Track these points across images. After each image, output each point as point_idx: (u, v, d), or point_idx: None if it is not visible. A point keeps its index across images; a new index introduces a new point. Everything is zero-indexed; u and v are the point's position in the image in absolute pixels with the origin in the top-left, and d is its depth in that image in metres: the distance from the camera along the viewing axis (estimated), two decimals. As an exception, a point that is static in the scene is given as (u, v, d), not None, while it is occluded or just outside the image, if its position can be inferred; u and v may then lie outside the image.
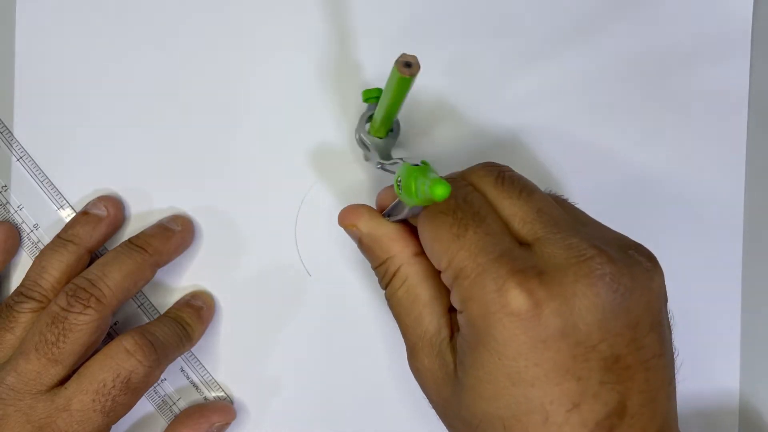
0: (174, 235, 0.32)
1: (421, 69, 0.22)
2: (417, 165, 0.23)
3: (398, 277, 0.27)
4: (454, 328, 0.25)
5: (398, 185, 0.24)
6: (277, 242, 0.33)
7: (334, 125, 0.34)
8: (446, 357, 0.25)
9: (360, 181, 0.34)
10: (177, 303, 0.33)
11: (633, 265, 0.23)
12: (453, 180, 0.26)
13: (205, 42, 0.34)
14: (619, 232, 0.25)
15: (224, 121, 0.34)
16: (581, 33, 0.34)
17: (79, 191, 0.34)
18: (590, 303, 0.22)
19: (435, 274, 0.26)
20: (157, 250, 0.31)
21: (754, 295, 0.34)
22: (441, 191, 0.20)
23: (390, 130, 0.30)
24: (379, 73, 0.34)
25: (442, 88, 0.34)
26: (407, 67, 0.22)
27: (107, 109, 0.34)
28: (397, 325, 0.27)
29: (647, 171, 0.34)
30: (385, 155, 0.30)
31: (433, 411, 0.33)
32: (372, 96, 0.30)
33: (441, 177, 0.21)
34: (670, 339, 0.25)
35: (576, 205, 0.27)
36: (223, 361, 0.33)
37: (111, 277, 0.30)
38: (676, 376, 0.24)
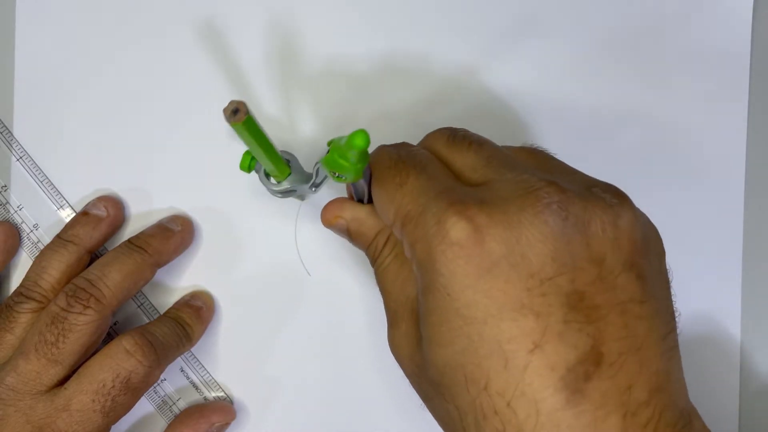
0: (174, 235, 0.32)
1: (249, 111, 0.22)
2: (328, 150, 0.23)
3: (388, 246, 0.26)
4: None
5: (335, 175, 0.24)
6: (276, 242, 0.33)
7: (334, 125, 0.34)
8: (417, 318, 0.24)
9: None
10: (177, 303, 0.33)
11: (590, 197, 0.21)
12: (401, 143, 0.26)
13: (207, 42, 0.34)
14: (592, 176, 0.24)
15: (224, 121, 0.34)
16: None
17: (79, 191, 0.34)
18: (538, 231, 0.21)
19: None
20: (157, 250, 0.31)
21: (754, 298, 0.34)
22: (360, 138, 0.20)
23: (287, 163, 0.30)
24: (374, 61, 0.34)
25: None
26: (235, 113, 0.22)
27: (107, 109, 0.34)
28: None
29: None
30: (306, 178, 0.30)
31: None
32: (247, 160, 0.29)
33: (354, 131, 0.21)
34: (663, 289, 0.22)
35: (554, 156, 0.26)
36: (223, 361, 0.33)
37: (111, 278, 0.30)
38: (678, 337, 0.22)
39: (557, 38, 0.34)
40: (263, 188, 0.33)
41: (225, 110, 0.22)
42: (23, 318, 0.30)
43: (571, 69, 0.34)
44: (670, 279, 0.23)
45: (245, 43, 0.34)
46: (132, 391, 0.29)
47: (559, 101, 0.34)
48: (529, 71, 0.34)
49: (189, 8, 0.34)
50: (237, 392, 0.33)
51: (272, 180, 0.30)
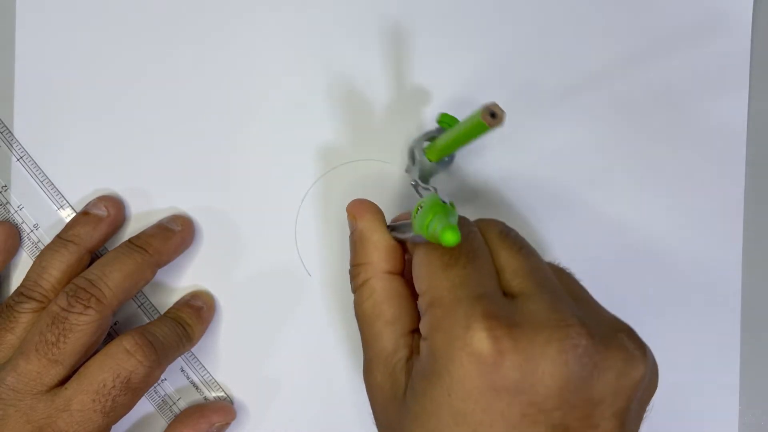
0: (174, 235, 0.32)
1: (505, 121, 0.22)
2: (444, 203, 0.23)
3: (366, 288, 0.27)
4: (414, 350, 0.25)
5: (418, 209, 0.24)
6: (277, 242, 0.34)
7: (334, 125, 0.34)
8: (399, 377, 0.25)
9: (360, 180, 0.34)
10: (177, 303, 0.33)
11: (616, 347, 0.22)
12: (462, 219, 0.26)
13: (206, 42, 0.34)
14: (615, 315, 0.25)
15: (224, 121, 0.34)
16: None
17: (79, 191, 0.34)
18: (555, 370, 0.21)
19: (403, 294, 0.26)
20: (157, 250, 0.31)
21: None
22: (450, 238, 0.21)
23: (444, 158, 0.30)
24: (373, 69, 0.34)
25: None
26: (492, 117, 0.22)
27: (107, 109, 0.34)
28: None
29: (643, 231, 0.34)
30: (425, 178, 0.30)
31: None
32: (446, 122, 0.30)
33: (456, 225, 0.21)
34: (635, 427, 0.24)
35: (579, 281, 0.27)
36: (223, 361, 0.33)
37: (111, 278, 0.30)
38: None
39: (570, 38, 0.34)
40: (263, 188, 0.33)
41: (484, 107, 0.22)
42: (24, 318, 0.30)
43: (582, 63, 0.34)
44: (646, 416, 0.24)
45: (246, 44, 0.34)
46: (132, 391, 0.29)
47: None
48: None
49: (190, 8, 0.34)
50: (237, 392, 0.33)
51: (425, 145, 0.30)
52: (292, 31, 0.34)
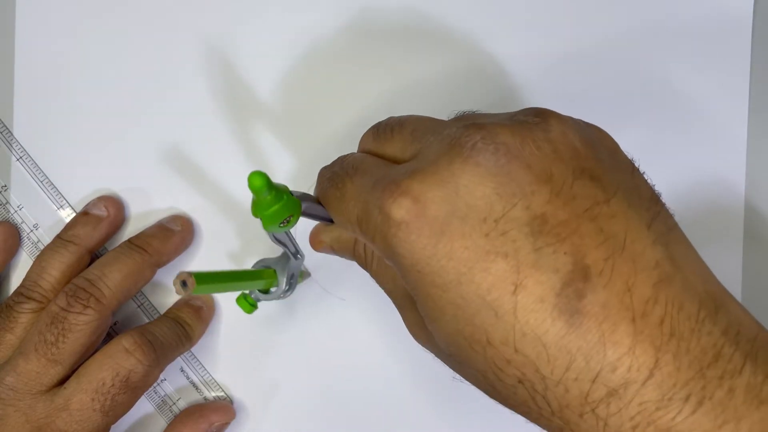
0: (174, 235, 0.32)
1: (193, 275, 0.23)
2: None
3: (367, 251, 0.26)
4: None
5: (283, 226, 0.24)
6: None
7: (334, 125, 0.34)
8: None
9: None
10: (177, 303, 0.33)
11: (513, 125, 0.21)
12: (335, 160, 0.26)
13: (207, 43, 0.34)
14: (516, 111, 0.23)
15: (224, 121, 0.34)
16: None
17: (79, 191, 0.34)
18: (472, 175, 0.20)
19: None
20: (157, 251, 0.31)
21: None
22: (254, 179, 0.21)
23: (267, 267, 0.30)
24: (372, 68, 0.34)
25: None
26: (184, 286, 0.23)
27: (107, 109, 0.34)
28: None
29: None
30: (293, 253, 0.29)
31: (430, 412, 0.33)
32: (245, 304, 0.29)
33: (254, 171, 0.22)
34: (627, 180, 0.21)
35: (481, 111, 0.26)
36: (223, 361, 0.33)
37: (111, 277, 0.30)
38: (673, 218, 0.21)
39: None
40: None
41: (175, 285, 0.23)
42: (23, 318, 0.30)
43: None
44: (636, 166, 0.22)
45: (246, 43, 0.34)
46: (131, 390, 0.29)
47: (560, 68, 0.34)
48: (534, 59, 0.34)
49: (191, 8, 0.34)
50: (237, 392, 0.33)
51: (272, 290, 0.30)
52: (292, 32, 0.34)
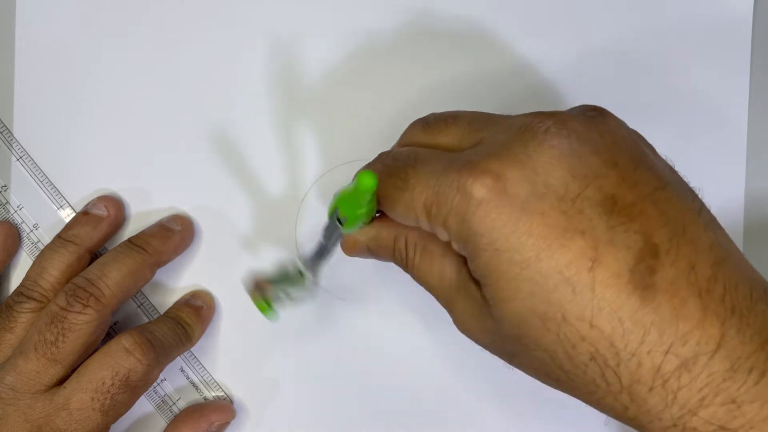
0: (174, 235, 0.32)
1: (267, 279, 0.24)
2: (336, 211, 0.24)
3: (409, 247, 0.26)
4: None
5: (352, 228, 0.24)
6: (277, 242, 0.33)
7: (334, 125, 0.34)
8: (472, 290, 0.24)
9: None
10: (177, 303, 0.33)
11: (576, 115, 0.22)
12: (379, 154, 0.27)
13: (208, 43, 0.34)
14: None
15: (225, 122, 0.34)
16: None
17: (79, 191, 0.34)
18: (548, 156, 0.21)
19: None
20: (156, 250, 0.31)
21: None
22: (366, 179, 0.21)
23: (297, 270, 0.29)
24: (373, 70, 0.34)
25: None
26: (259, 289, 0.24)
27: (107, 109, 0.34)
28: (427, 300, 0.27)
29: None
30: (320, 254, 0.28)
31: (430, 412, 0.33)
32: (264, 306, 0.28)
33: (363, 171, 0.21)
34: (672, 173, 0.23)
35: None
36: (223, 361, 0.33)
37: (110, 277, 0.30)
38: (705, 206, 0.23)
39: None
40: (263, 188, 0.34)
41: (251, 294, 0.24)
42: (23, 318, 0.30)
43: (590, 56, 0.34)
44: (672, 164, 0.24)
45: (246, 44, 0.34)
46: (131, 389, 0.29)
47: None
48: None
49: (191, 9, 0.34)
50: (237, 392, 0.33)
51: (297, 292, 0.29)
52: (293, 33, 0.34)
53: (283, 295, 0.28)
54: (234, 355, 0.33)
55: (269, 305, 0.28)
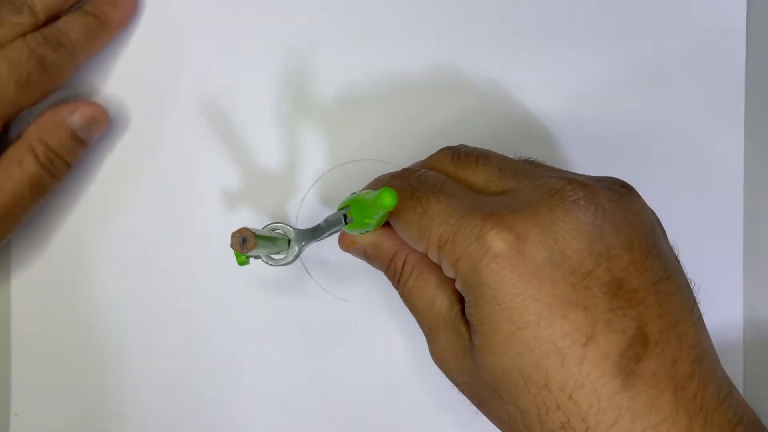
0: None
1: (255, 235, 0.23)
2: (346, 208, 0.24)
3: (406, 268, 0.27)
4: (463, 303, 0.25)
5: (357, 231, 0.25)
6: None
7: (334, 125, 0.34)
8: (460, 330, 0.24)
9: (360, 180, 0.33)
10: None
11: (607, 189, 0.23)
12: (405, 170, 0.27)
13: (208, 45, 0.34)
14: (594, 175, 0.25)
15: (223, 122, 0.34)
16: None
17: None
18: (571, 228, 0.22)
19: None
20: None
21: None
22: (388, 197, 0.21)
23: (282, 236, 0.29)
24: (373, 69, 0.34)
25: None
26: (244, 243, 0.23)
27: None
28: (412, 322, 0.27)
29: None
30: (310, 236, 0.29)
31: (421, 416, 0.33)
32: (241, 257, 0.28)
33: (385, 188, 0.21)
34: (677, 264, 0.24)
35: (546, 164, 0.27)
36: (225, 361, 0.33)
37: None
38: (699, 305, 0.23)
39: (577, 53, 0.34)
40: (263, 188, 0.33)
41: (232, 245, 0.22)
42: None
43: (592, 85, 0.34)
44: (677, 252, 0.24)
45: (249, 44, 0.34)
46: (47, 72, 0.29)
47: (590, 122, 0.34)
48: (549, 86, 0.34)
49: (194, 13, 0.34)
50: (238, 392, 0.33)
51: (277, 257, 0.29)
52: (294, 33, 0.34)
53: (263, 256, 0.28)
54: (234, 356, 0.33)
55: (246, 259, 0.28)
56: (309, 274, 0.33)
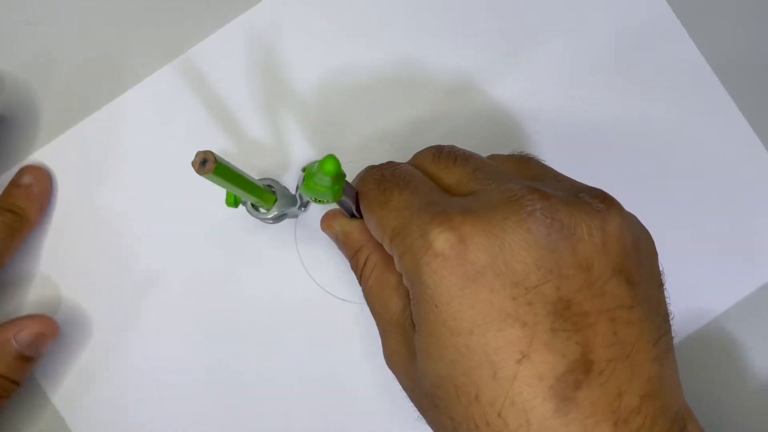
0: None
1: (218, 158, 0.22)
2: (302, 180, 0.24)
3: (368, 265, 0.27)
4: None
5: (317, 201, 0.25)
6: (279, 246, 0.33)
7: (338, 123, 0.34)
8: (408, 333, 0.24)
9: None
10: (5, 189, 0.32)
11: (576, 203, 0.21)
12: (387, 163, 0.27)
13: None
14: (581, 182, 0.24)
15: (225, 123, 0.34)
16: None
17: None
18: (521, 239, 0.21)
19: None
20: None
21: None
22: (329, 164, 0.21)
23: (270, 190, 0.30)
24: (367, 75, 0.34)
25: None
26: (204, 164, 0.22)
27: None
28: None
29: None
30: (292, 200, 0.31)
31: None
32: (232, 197, 0.29)
33: (328, 155, 0.22)
34: (654, 292, 0.22)
35: (544, 163, 0.26)
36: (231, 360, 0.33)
37: None
38: (672, 339, 0.22)
39: (554, 50, 0.34)
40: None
41: (193, 163, 0.22)
42: None
43: (568, 80, 0.34)
44: (663, 281, 0.23)
45: (250, 46, 0.34)
46: None
47: (555, 112, 0.34)
48: (526, 83, 0.34)
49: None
50: (243, 391, 0.33)
51: (261, 210, 0.30)
52: (295, 35, 0.34)
53: (249, 205, 0.30)
54: (242, 355, 0.33)
55: (234, 202, 0.29)
56: (309, 275, 0.33)
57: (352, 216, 0.29)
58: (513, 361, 0.20)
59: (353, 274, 0.33)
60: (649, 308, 0.22)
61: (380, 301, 0.26)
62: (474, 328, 0.20)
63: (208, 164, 0.22)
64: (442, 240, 0.21)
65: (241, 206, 0.31)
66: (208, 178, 0.23)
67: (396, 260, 0.23)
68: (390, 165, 0.26)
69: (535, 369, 0.20)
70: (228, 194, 0.29)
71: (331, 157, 0.21)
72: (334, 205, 0.28)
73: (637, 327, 0.21)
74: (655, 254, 0.23)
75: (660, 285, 0.23)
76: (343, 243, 0.28)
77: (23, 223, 0.31)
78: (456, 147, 0.26)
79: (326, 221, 0.29)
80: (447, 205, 0.22)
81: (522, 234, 0.21)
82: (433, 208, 0.22)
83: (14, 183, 0.32)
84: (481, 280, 0.20)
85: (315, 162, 0.23)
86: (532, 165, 0.26)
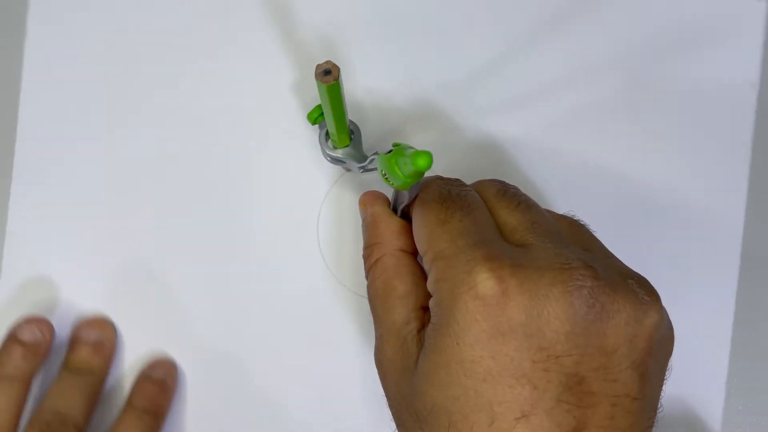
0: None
1: (341, 70, 0.22)
2: (391, 150, 0.24)
3: (379, 265, 0.27)
4: (425, 323, 0.25)
5: (384, 177, 0.24)
6: (300, 248, 0.33)
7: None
8: (410, 348, 0.24)
9: (375, 180, 0.33)
10: (136, 382, 0.32)
11: (624, 291, 0.22)
12: (455, 179, 0.27)
13: (213, 53, 0.34)
14: (627, 266, 0.24)
15: (236, 129, 0.34)
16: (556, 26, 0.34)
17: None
18: (561, 310, 0.21)
19: (415, 271, 0.26)
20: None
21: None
22: (423, 160, 0.21)
23: (351, 134, 0.31)
24: (384, 70, 0.34)
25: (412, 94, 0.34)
26: (327, 74, 0.22)
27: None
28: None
29: (640, 179, 0.34)
30: (360, 158, 0.31)
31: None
32: (316, 114, 0.30)
33: (424, 150, 0.21)
34: (657, 388, 0.23)
35: (592, 232, 0.26)
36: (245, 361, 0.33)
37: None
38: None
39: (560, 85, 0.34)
40: (280, 194, 0.33)
41: (318, 66, 0.22)
42: None
43: (572, 117, 0.34)
44: (667, 376, 0.24)
45: (252, 47, 0.34)
46: None
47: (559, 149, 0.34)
48: (533, 118, 0.34)
49: (196, 24, 0.34)
50: (251, 391, 0.33)
51: (329, 143, 0.31)
52: (298, 36, 0.34)
53: (324, 131, 0.30)
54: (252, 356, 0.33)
55: (317, 121, 0.30)
56: (328, 267, 0.33)
57: (394, 209, 0.29)
58: (512, 418, 0.21)
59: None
60: (648, 401, 0.23)
61: (384, 305, 0.26)
62: (487, 376, 0.21)
63: (329, 77, 0.22)
64: (487, 286, 0.21)
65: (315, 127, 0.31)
66: (319, 88, 0.23)
67: (431, 279, 0.24)
68: (458, 183, 0.26)
69: (531, 430, 0.21)
70: (314, 110, 0.29)
71: (428, 155, 0.21)
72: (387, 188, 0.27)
73: (633, 417, 0.22)
74: (671, 353, 0.24)
75: (663, 381, 0.24)
76: (367, 227, 0.28)
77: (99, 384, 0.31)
78: (520, 190, 0.27)
79: (368, 198, 0.29)
80: (501, 250, 0.22)
81: (563, 306, 0.21)
82: (488, 249, 0.22)
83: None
84: (510, 335, 0.21)
85: (409, 148, 0.23)
86: (583, 232, 0.26)
